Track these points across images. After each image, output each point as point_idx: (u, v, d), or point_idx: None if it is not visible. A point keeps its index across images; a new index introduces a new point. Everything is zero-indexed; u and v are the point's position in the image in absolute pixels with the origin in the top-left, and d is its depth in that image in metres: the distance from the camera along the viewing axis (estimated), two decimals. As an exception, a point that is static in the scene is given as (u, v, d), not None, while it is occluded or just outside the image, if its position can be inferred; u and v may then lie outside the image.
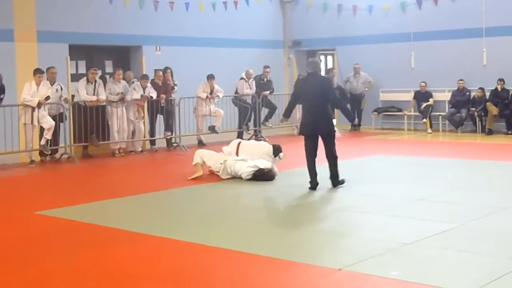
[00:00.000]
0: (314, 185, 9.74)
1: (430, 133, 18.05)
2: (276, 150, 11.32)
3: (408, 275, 5.56)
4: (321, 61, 22.81)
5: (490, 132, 16.98)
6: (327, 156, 9.89)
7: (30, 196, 10.12)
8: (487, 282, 5.30)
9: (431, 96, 18.35)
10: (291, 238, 7.05)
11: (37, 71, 13.47)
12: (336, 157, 9.91)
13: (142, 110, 15.33)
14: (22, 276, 5.94)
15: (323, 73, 21.73)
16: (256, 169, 10.57)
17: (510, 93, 17.03)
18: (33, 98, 13.20)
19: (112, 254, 6.64)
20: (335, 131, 10.16)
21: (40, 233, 7.67)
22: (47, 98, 13.42)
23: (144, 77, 15.42)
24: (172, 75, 16.19)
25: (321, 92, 9.88)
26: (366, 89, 19.43)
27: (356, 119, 18.50)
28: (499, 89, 17.06)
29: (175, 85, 16.20)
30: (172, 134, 16.02)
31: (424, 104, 18.22)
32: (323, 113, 9.85)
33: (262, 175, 10.53)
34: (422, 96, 18.46)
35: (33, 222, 8.25)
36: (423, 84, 18.41)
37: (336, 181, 9.88)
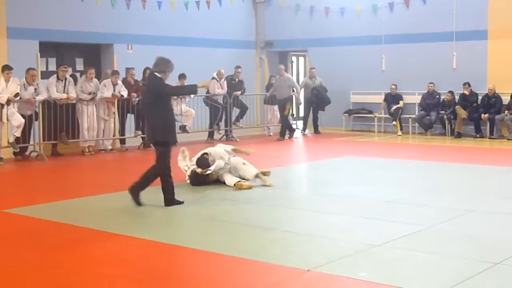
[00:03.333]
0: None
1: (400, 135, 18.19)
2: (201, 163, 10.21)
3: (376, 277, 5.59)
4: (292, 62, 22.90)
5: (459, 135, 17.16)
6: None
7: (-2, 194, 10.02)
8: (455, 284, 5.35)
9: (401, 99, 18.48)
10: (260, 239, 7.06)
11: (6, 68, 13.34)
12: (155, 174, 8.70)
13: (113, 107, 15.25)
14: (-11, 275, 5.88)
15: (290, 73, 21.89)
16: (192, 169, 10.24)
17: (479, 97, 17.22)
18: (2, 95, 13.06)
19: (81, 253, 6.59)
20: (165, 141, 8.69)
21: (8, 232, 7.59)
22: (17, 95, 13.30)
23: (115, 73, 15.35)
24: None
25: (151, 94, 8.70)
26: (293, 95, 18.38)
27: (295, 129, 18.69)
28: (466, 93, 17.24)
29: None
30: (143, 133, 15.94)
31: (394, 107, 18.35)
32: (150, 120, 8.86)
33: (195, 178, 10.28)
34: (392, 98, 18.58)
35: (1, 220, 8.16)
36: (393, 86, 18.54)
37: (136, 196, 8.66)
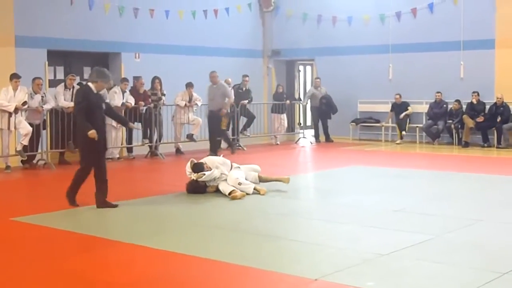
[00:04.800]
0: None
1: (399, 143, 18.17)
2: (196, 168, 10.31)
3: (384, 286, 5.58)
4: (300, 71, 22.93)
5: (467, 145, 17.13)
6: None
7: (5, 202, 10.03)
8: (462, 293, 5.34)
9: (408, 106, 18.48)
10: (268, 247, 7.05)
11: (14, 76, 13.39)
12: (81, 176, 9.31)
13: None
14: (-4, 283, 5.89)
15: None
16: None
17: (486, 106, 17.19)
18: (10, 104, 13.12)
19: (87, 261, 6.60)
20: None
21: (16, 240, 7.60)
22: (24, 103, 13.35)
23: (124, 80, 15.43)
24: (161, 85, 16.16)
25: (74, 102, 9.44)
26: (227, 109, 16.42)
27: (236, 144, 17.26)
28: (474, 102, 17.22)
29: (163, 94, 16.18)
30: (151, 142, 15.96)
31: (403, 114, 18.34)
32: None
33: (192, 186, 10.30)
34: (398, 107, 18.58)
35: (9, 228, 8.18)
36: (397, 96, 18.55)
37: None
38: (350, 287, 5.59)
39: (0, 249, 7.13)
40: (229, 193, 9.89)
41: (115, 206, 9.24)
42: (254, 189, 10.16)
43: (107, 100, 14.67)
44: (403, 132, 18.38)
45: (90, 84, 9.20)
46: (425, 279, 5.81)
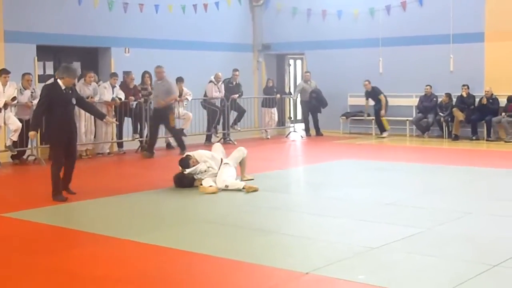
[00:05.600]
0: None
1: (384, 137, 18.25)
2: (182, 163, 10.40)
3: (375, 279, 5.59)
4: (290, 65, 22.92)
5: (456, 138, 17.18)
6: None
7: (-5, 197, 10.00)
8: (453, 286, 5.35)
9: (379, 94, 18.47)
10: (259, 241, 7.06)
11: (3, 72, 13.34)
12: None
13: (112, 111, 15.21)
14: (-13, 279, 5.88)
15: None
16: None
17: (476, 99, 17.24)
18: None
19: (78, 256, 6.59)
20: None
21: (5, 235, 7.58)
22: (14, 99, 13.30)
23: (113, 75, 15.40)
24: (151, 79, 16.10)
25: None
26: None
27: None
28: (464, 95, 17.27)
29: (153, 89, 16.11)
30: (141, 137, 15.93)
31: (382, 112, 18.40)
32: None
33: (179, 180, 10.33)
34: (369, 95, 18.71)
35: (-2, 224, 8.16)
36: (366, 82, 18.61)
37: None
38: (341, 280, 5.61)
39: (-10, 245, 7.12)
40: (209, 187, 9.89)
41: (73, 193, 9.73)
42: (243, 188, 9.97)
43: (96, 94, 14.73)
44: (385, 134, 18.38)
45: (58, 80, 9.55)
46: (416, 272, 5.83)
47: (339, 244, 6.76)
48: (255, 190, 9.84)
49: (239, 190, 9.87)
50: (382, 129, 18.57)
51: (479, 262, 6.03)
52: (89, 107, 10.96)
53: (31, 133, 9.82)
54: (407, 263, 6.11)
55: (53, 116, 9.45)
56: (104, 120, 10.85)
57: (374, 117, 18.73)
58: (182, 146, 14.86)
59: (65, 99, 9.51)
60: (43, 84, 14.52)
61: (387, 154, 14.99)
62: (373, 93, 18.57)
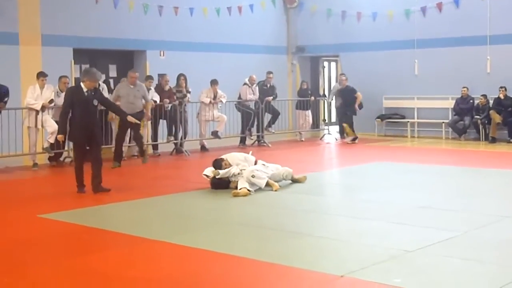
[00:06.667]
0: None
1: (350, 142, 17.77)
2: (215, 164, 10.48)
3: (411, 283, 5.54)
4: (324, 67, 22.86)
5: (494, 140, 16.97)
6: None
7: (32, 199, 10.11)
8: (490, 290, 5.29)
9: (356, 92, 18.14)
10: (293, 244, 7.03)
11: (41, 74, 13.49)
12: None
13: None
14: (23, 279, 5.93)
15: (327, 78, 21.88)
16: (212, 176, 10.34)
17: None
18: (37, 102, 13.23)
19: (115, 258, 6.63)
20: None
21: (42, 236, 7.66)
22: (51, 101, 13.46)
23: (149, 77, 15.47)
24: (186, 82, 16.16)
25: None
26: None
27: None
28: (502, 97, 17.07)
29: (188, 92, 16.17)
30: (177, 139, 15.98)
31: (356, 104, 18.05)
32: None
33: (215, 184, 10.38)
34: (342, 93, 18.35)
35: (35, 225, 8.24)
36: (343, 78, 18.33)
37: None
38: (377, 284, 5.56)
39: (26, 246, 7.19)
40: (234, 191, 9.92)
41: (108, 190, 10.18)
42: (267, 184, 10.12)
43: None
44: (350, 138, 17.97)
45: (81, 83, 10.09)
46: (452, 276, 5.76)
47: (374, 247, 6.71)
48: (277, 189, 10.08)
49: (260, 188, 10.00)
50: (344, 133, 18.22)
51: (517, 266, 5.94)
52: (113, 107, 11.45)
53: (59, 137, 10.32)
54: (444, 267, 6.04)
55: (75, 117, 10.08)
56: (128, 119, 11.12)
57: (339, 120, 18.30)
58: (144, 155, 14.16)
59: (86, 101, 10.01)
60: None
61: (422, 156, 14.86)
62: (347, 91, 18.22)
